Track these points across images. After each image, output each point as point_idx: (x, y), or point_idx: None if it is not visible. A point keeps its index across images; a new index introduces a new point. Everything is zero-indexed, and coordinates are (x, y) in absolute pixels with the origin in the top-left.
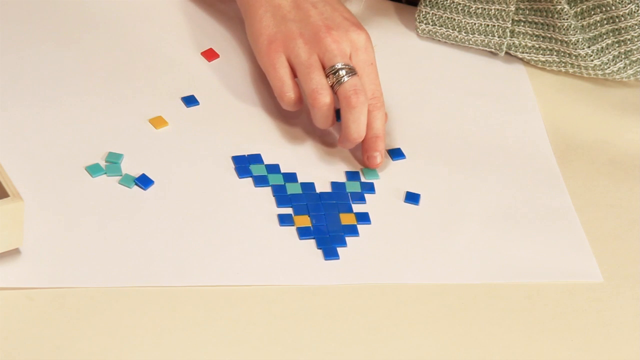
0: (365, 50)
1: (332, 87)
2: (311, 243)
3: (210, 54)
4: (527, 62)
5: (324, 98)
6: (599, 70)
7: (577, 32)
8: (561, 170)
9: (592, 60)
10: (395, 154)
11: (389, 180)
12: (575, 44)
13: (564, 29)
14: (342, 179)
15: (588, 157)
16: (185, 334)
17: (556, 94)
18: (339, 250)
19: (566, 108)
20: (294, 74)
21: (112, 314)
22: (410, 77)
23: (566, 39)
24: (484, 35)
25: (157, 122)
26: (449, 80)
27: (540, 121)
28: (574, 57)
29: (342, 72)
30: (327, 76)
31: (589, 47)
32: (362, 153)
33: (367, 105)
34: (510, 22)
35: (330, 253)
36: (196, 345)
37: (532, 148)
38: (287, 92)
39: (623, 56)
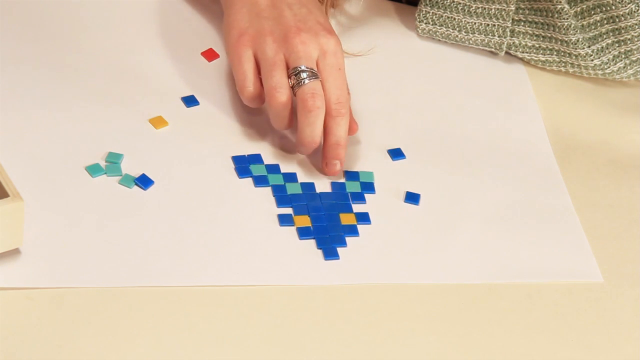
0: (334, 55)
1: (292, 88)
2: (311, 243)
3: (210, 54)
4: (527, 62)
5: (281, 97)
6: (599, 70)
7: (577, 31)
8: (561, 170)
9: (592, 60)
10: (395, 154)
11: (389, 180)
12: (575, 44)
13: (564, 29)
14: (342, 179)
15: (588, 157)
16: (185, 334)
17: (556, 94)
18: (339, 250)
19: (566, 108)
20: (259, 71)
21: (112, 314)
22: (410, 77)
23: (566, 39)
24: (484, 35)
25: (157, 122)
26: (449, 80)
27: (540, 121)
28: (574, 57)
29: (304, 75)
30: (289, 77)
31: (589, 46)
32: (321, 160)
33: (323, 111)
34: (511, 21)
35: (330, 253)
36: (196, 345)
37: (532, 148)
38: (248, 86)
39: (623, 56)
